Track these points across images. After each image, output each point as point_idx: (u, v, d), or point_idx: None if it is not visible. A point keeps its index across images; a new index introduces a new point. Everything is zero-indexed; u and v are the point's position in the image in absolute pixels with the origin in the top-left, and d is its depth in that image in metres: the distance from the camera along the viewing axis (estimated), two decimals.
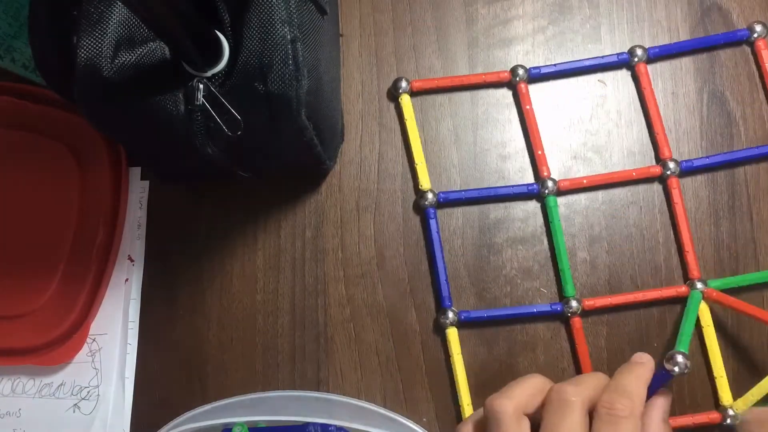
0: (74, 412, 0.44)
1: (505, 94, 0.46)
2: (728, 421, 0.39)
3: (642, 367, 0.36)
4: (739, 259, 0.43)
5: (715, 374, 0.41)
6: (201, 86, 0.32)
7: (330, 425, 0.40)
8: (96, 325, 0.44)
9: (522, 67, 0.45)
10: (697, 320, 0.41)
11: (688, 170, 0.43)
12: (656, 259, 0.43)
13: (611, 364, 0.42)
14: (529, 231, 0.44)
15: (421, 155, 0.45)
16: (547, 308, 0.42)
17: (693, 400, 0.41)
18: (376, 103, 0.47)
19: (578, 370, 0.42)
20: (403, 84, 0.45)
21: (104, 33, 0.32)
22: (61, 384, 0.44)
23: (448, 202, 0.44)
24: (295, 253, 0.45)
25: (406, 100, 0.46)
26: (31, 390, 0.44)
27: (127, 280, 0.45)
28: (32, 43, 0.35)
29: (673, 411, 0.41)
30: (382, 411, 0.41)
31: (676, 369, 0.35)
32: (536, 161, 0.44)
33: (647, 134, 0.45)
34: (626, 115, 0.45)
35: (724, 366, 0.41)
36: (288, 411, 0.41)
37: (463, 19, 0.48)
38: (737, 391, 0.40)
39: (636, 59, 0.45)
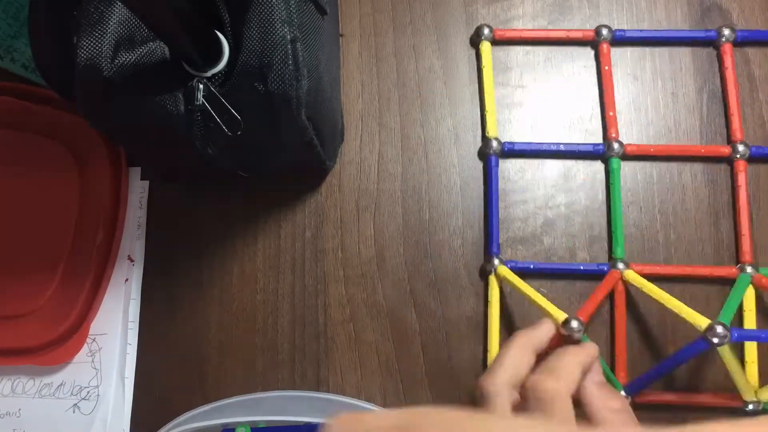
0: (74, 412, 0.44)
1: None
2: (750, 407, 0.39)
3: (579, 348, 0.35)
4: None
5: (747, 359, 0.41)
6: (201, 86, 0.32)
7: None
8: (96, 325, 0.44)
9: (606, 27, 0.46)
10: (740, 304, 0.40)
11: (757, 156, 0.44)
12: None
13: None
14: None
15: (493, 103, 0.45)
16: (594, 267, 0.43)
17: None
18: (376, 103, 0.47)
19: (613, 332, 0.42)
20: (486, 31, 0.46)
21: (104, 33, 0.32)
22: (61, 384, 0.44)
23: (512, 152, 0.45)
24: (295, 254, 0.45)
25: (486, 47, 0.46)
26: (31, 390, 0.44)
27: (127, 280, 0.45)
28: (32, 43, 0.35)
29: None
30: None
31: (716, 340, 0.34)
32: (606, 122, 0.45)
33: (722, 116, 0.45)
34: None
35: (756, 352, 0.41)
36: (288, 411, 0.41)
37: (463, 19, 0.48)
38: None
39: (723, 39, 0.45)
